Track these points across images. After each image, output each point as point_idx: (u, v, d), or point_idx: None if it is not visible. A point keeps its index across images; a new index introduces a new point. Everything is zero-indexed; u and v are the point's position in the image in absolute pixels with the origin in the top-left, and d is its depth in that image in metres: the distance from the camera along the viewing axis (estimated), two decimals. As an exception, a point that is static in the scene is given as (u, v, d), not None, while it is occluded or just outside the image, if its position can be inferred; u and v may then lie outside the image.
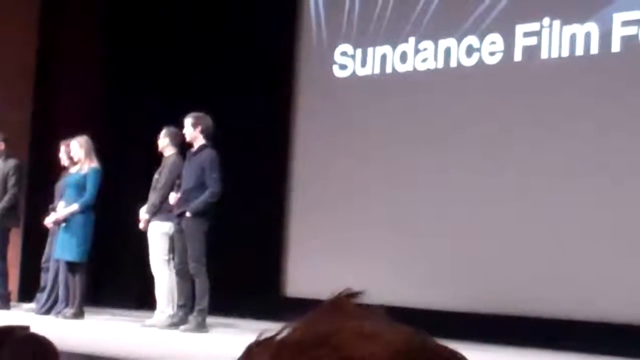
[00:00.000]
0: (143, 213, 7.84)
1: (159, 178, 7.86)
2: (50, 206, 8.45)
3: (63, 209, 8.17)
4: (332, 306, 0.67)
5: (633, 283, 6.83)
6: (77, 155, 8.22)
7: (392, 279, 7.98)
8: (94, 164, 8.18)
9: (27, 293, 9.23)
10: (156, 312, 7.74)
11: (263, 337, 0.67)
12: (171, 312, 7.63)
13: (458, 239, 7.70)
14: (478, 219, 7.64)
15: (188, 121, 7.58)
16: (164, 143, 7.91)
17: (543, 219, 7.30)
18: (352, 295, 0.68)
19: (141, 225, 7.84)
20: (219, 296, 7.52)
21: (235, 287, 8.39)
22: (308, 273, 8.57)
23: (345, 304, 0.67)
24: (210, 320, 7.50)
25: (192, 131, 7.56)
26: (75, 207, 8.07)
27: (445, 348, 0.66)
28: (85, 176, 8.15)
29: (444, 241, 7.80)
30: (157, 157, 8.00)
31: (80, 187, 8.13)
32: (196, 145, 7.58)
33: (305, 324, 0.65)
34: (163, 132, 7.93)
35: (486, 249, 7.57)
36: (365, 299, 0.69)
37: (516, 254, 7.42)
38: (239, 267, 8.69)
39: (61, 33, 10.03)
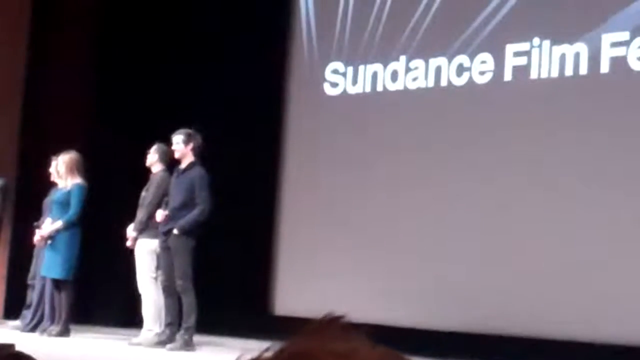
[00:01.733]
0: (130, 231, 7.78)
1: (146, 195, 7.81)
2: (35, 223, 8.37)
3: (49, 225, 8.10)
4: (312, 328, 0.67)
5: (619, 304, 6.81)
6: (60, 171, 8.17)
7: (380, 298, 7.94)
8: (78, 180, 8.10)
9: (13, 310, 9.14)
10: (143, 330, 7.67)
11: (242, 359, 0.65)
12: (158, 330, 7.56)
13: (447, 259, 7.67)
14: (466, 239, 7.61)
15: (179, 137, 7.53)
16: (154, 159, 7.87)
17: (533, 238, 7.28)
18: (335, 318, 0.68)
19: (128, 243, 7.78)
20: (207, 314, 7.46)
21: (223, 305, 8.33)
22: (297, 291, 8.52)
23: (326, 326, 0.67)
24: (197, 338, 7.44)
25: (183, 148, 7.51)
26: (59, 224, 8.00)
27: None
28: (69, 193, 8.07)
29: (433, 261, 7.76)
30: (145, 174, 7.96)
31: (64, 203, 8.04)
32: (185, 163, 7.54)
33: (283, 346, 0.65)
34: (153, 148, 7.89)
35: (475, 269, 7.54)
36: (352, 318, 0.68)
37: (505, 274, 7.40)
38: (227, 285, 8.63)
39: (51, 47, 9.99)
